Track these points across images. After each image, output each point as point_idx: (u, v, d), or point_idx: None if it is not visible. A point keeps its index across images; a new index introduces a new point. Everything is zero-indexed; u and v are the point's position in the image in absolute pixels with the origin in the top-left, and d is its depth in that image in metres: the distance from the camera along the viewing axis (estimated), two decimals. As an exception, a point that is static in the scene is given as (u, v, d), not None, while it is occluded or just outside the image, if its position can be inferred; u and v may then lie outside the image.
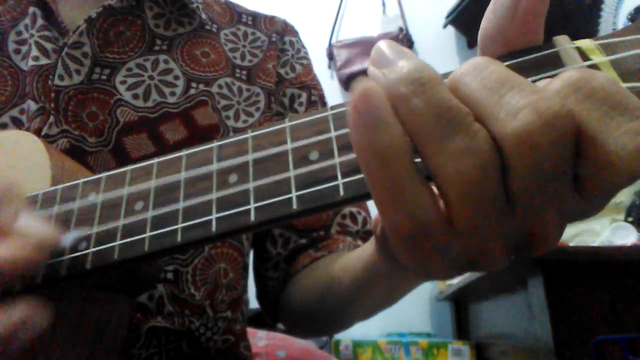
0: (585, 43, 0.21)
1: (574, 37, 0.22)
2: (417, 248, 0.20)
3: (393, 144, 0.19)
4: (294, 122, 0.25)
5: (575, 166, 0.19)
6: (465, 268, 0.22)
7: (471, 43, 1.95)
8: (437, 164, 0.19)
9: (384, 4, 2.11)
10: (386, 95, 0.19)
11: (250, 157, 0.25)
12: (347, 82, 1.98)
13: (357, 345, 1.50)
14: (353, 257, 0.42)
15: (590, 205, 0.20)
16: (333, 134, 0.24)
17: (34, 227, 0.25)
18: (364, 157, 0.19)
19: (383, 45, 0.21)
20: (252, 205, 0.24)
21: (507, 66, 0.21)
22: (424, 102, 0.18)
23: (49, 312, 0.25)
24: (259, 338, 0.70)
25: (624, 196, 1.19)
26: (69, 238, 0.28)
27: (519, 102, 0.18)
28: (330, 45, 2.06)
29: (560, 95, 0.18)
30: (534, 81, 0.21)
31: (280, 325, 0.61)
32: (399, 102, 0.19)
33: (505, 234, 0.20)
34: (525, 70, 0.21)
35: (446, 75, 0.22)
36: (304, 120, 0.25)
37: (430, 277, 0.22)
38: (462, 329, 1.63)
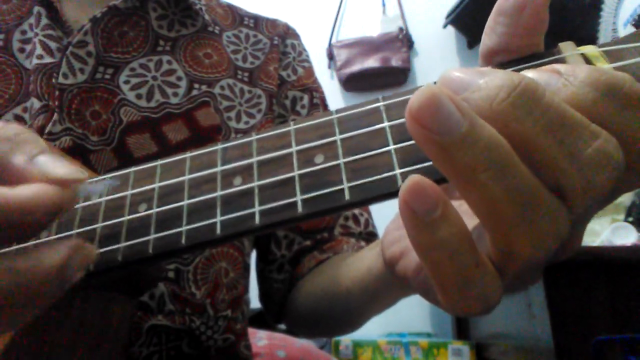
0: (590, 50, 0.21)
1: (574, 37, 0.22)
2: (473, 313, 0.20)
3: (455, 235, 0.18)
4: (298, 125, 0.25)
5: None
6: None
7: (471, 43, 1.95)
8: (513, 248, 0.19)
9: (384, 4, 2.10)
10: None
11: (254, 159, 0.25)
12: (347, 82, 1.98)
13: (357, 345, 1.50)
14: (362, 268, 0.42)
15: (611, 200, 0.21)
16: (338, 137, 0.24)
17: (55, 167, 0.23)
18: (427, 254, 0.18)
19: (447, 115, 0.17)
20: (257, 209, 0.24)
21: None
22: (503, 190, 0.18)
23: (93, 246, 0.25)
24: (259, 338, 0.70)
25: (624, 196, 1.19)
26: (99, 184, 0.26)
27: (583, 153, 0.17)
28: (330, 45, 2.05)
29: (600, 106, 0.18)
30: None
31: (281, 326, 0.62)
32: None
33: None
34: None
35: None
36: (308, 123, 0.25)
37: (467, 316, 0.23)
38: (462, 329, 1.62)
